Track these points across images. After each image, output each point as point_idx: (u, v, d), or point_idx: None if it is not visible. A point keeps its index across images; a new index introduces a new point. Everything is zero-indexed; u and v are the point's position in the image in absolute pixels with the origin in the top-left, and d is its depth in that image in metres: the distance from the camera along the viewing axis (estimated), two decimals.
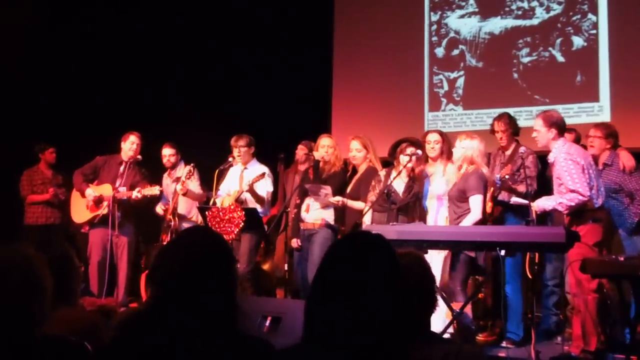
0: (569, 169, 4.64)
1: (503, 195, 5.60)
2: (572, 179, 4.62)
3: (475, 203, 4.99)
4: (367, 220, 5.53)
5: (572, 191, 4.62)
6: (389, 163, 6.01)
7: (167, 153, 6.76)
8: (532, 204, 4.84)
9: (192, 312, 1.85)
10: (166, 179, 6.87)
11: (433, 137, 5.59)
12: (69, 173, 7.55)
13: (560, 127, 4.79)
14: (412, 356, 1.93)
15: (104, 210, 6.38)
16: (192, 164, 6.43)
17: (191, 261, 1.91)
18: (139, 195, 6.29)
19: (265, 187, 6.21)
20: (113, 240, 6.39)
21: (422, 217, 5.53)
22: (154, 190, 6.30)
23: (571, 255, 4.60)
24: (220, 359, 1.85)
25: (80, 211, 6.61)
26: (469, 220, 4.97)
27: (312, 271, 5.77)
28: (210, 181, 6.52)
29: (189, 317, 1.85)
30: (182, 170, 6.62)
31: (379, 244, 1.79)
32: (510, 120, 5.79)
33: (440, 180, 5.43)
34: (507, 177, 5.25)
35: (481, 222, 5.00)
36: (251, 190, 6.08)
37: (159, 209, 6.71)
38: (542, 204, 4.80)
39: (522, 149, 5.32)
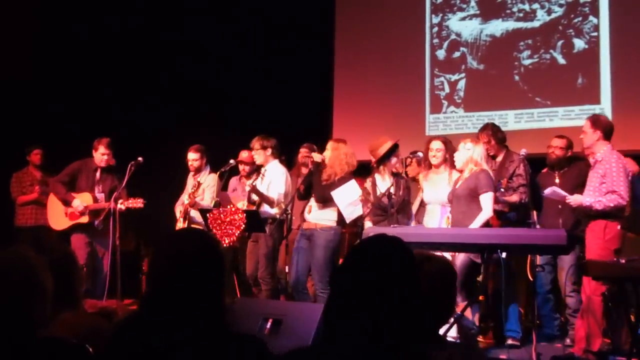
0: (618, 172, 4.75)
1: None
2: (617, 181, 4.72)
3: (487, 200, 5.05)
4: (367, 224, 5.56)
5: (614, 192, 4.70)
6: (369, 166, 6.05)
7: (192, 158, 6.71)
8: (568, 196, 4.89)
9: (181, 313, 1.87)
10: (190, 179, 6.87)
11: (435, 145, 5.60)
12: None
13: (605, 130, 4.88)
14: (418, 358, 1.94)
15: (84, 219, 6.40)
16: (199, 181, 6.40)
17: (181, 262, 1.93)
18: (123, 208, 6.29)
19: (276, 189, 6.18)
20: (96, 246, 6.45)
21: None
22: (138, 203, 6.31)
23: (591, 254, 4.68)
24: (212, 357, 1.86)
25: (58, 218, 6.58)
26: (481, 218, 5.02)
27: (316, 272, 5.76)
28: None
29: (178, 318, 1.87)
30: (205, 176, 6.60)
31: (399, 247, 1.80)
32: (492, 130, 5.81)
33: (445, 187, 5.45)
34: (502, 189, 5.32)
35: (491, 219, 5.09)
36: (254, 191, 6.09)
37: (179, 210, 6.70)
38: (580, 199, 4.85)
39: (523, 152, 5.34)
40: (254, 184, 6.09)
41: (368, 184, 5.70)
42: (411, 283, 1.74)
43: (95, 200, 6.45)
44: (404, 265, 1.76)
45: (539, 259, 5.40)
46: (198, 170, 6.70)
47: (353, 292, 1.71)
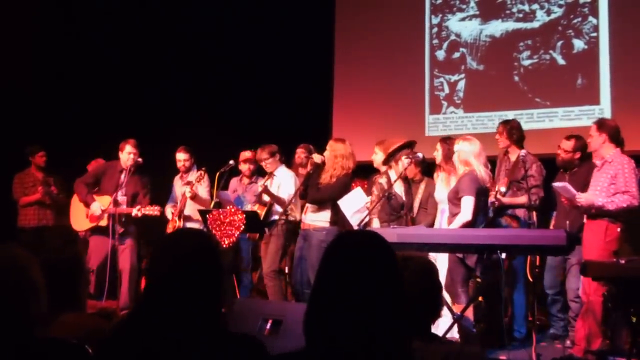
0: (630, 173, 4.78)
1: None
2: (630, 182, 4.76)
3: (466, 204, 4.98)
4: (375, 225, 5.56)
5: (626, 192, 4.72)
6: (367, 167, 6.04)
7: (182, 158, 6.76)
8: (578, 195, 4.89)
9: (178, 313, 1.86)
10: (177, 181, 6.89)
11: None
12: (64, 175, 7.55)
13: (610, 134, 4.93)
14: (414, 356, 1.93)
15: (103, 222, 6.37)
16: (203, 169, 6.45)
17: (178, 262, 1.93)
18: (139, 214, 6.28)
19: (286, 190, 6.25)
20: (115, 247, 6.38)
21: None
22: (154, 210, 6.31)
23: (590, 255, 4.69)
24: (210, 358, 1.85)
25: (79, 219, 6.60)
26: (457, 222, 4.97)
27: (311, 272, 5.79)
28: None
29: (176, 318, 1.86)
30: (194, 174, 6.63)
31: (376, 240, 1.79)
32: (511, 126, 5.85)
33: (442, 186, 5.53)
34: (495, 200, 5.37)
35: (470, 223, 4.97)
36: (266, 191, 6.18)
37: (169, 212, 6.73)
38: (592, 199, 4.85)
39: (522, 152, 5.36)
40: (265, 184, 6.14)
41: (383, 179, 5.66)
42: (392, 275, 1.73)
43: (117, 203, 6.38)
44: (383, 258, 1.75)
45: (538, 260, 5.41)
46: (188, 170, 6.74)
47: (333, 289, 1.70)
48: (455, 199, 5.08)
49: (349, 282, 1.68)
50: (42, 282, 1.98)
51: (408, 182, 5.67)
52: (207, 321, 1.89)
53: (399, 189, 5.55)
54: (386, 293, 1.69)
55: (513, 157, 5.78)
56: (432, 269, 2.41)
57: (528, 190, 5.41)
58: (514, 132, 5.82)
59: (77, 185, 6.58)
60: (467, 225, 4.95)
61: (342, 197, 5.80)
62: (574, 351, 4.90)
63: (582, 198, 4.85)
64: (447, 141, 5.69)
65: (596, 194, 4.84)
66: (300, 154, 6.75)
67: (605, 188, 4.82)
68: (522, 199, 5.55)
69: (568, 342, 5.28)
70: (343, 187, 5.85)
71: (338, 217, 5.93)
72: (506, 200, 5.54)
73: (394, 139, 5.78)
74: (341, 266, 1.73)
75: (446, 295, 4.95)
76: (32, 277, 1.96)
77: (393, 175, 5.60)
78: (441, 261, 5.18)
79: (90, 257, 6.42)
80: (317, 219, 5.95)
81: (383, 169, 5.78)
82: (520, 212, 5.63)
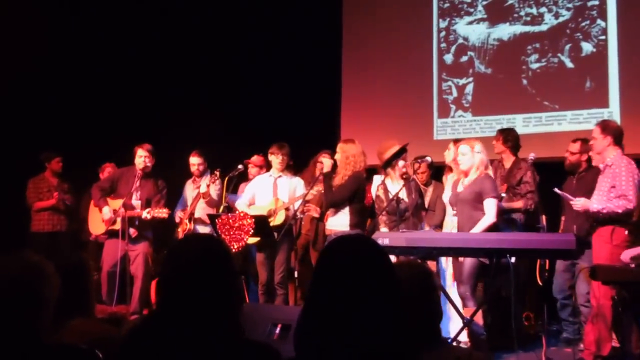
0: (627, 176, 4.75)
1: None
2: (627, 186, 4.73)
3: (491, 206, 5.00)
4: (383, 230, 5.55)
5: (622, 197, 4.69)
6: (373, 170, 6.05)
7: (196, 162, 6.78)
8: (574, 200, 4.89)
9: (193, 320, 1.85)
10: (189, 185, 6.90)
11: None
12: (75, 181, 7.62)
13: (615, 135, 4.90)
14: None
15: (116, 225, 6.40)
16: (218, 170, 6.45)
17: (191, 268, 1.91)
18: (148, 217, 6.32)
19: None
20: (127, 251, 6.40)
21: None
22: (163, 213, 6.35)
23: (599, 260, 4.66)
24: None
25: (97, 223, 6.70)
26: (483, 223, 4.96)
27: None
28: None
29: (191, 325, 1.85)
30: (207, 179, 6.63)
31: (368, 246, 1.78)
32: (506, 135, 6.01)
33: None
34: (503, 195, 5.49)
35: (494, 225, 5.00)
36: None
37: (178, 217, 6.76)
38: (588, 204, 4.84)
39: (531, 156, 5.41)
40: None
41: (380, 191, 5.65)
42: (385, 278, 1.71)
43: (131, 207, 6.42)
44: (373, 261, 1.72)
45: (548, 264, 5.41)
46: (201, 175, 6.76)
47: (327, 300, 1.67)
48: (475, 201, 5.06)
49: (342, 289, 1.66)
50: (56, 290, 1.99)
51: (409, 181, 5.54)
52: (222, 328, 1.87)
53: (401, 192, 5.50)
54: (381, 299, 1.66)
55: (507, 164, 5.85)
56: (425, 272, 2.34)
57: (527, 193, 5.61)
58: (510, 140, 5.96)
59: (92, 190, 6.68)
60: (491, 227, 4.95)
61: (356, 196, 5.77)
62: (583, 355, 4.88)
63: (578, 204, 4.86)
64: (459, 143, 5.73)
65: (598, 198, 4.83)
66: (324, 159, 6.67)
67: (606, 192, 4.81)
68: (519, 203, 5.70)
69: (581, 346, 5.25)
70: (355, 185, 5.80)
71: (360, 220, 5.87)
72: (505, 204, 5.58)
73: (389, 142, 5.74)
74: (333, 273, 1.70)
75: (457, 299, 4.95)
76: (37, 286, 1.96)
77: (389, 182, 5.59)
78: (445, 263, 5.19)
79: (104, 260, 6.47)
80: (336, 224, 5.91)
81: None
82: (517, 217, 5.76)
